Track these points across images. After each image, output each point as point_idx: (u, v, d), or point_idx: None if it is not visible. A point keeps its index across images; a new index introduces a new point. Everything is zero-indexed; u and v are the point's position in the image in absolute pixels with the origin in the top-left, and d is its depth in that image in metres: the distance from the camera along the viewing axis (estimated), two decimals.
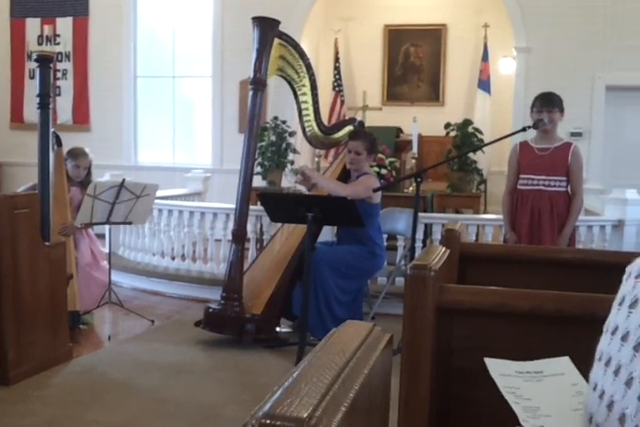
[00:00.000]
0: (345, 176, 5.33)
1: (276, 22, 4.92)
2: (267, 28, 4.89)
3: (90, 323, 5.29)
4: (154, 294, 6.48)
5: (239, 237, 4.93)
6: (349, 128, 5.62)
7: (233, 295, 4.84)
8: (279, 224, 5.40)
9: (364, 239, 5.00)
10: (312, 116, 5.34)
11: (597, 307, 1.82)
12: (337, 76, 10.45)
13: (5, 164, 10.42)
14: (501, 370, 1.53)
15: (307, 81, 5.21)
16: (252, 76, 4.90)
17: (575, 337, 1.84)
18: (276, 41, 4.95)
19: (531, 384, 1.48)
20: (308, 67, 5.18)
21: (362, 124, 5.90)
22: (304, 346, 4.43)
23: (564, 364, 1.52)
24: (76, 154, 5.32)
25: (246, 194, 4.95)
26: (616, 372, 1.20)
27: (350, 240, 5.05)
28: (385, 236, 5.80)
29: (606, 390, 1.21)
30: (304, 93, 5.25)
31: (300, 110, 5.30)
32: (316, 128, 5.37)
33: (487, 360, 1.57)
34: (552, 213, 4.53)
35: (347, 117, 9.03)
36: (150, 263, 6.87)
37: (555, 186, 4.53)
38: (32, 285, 4.08)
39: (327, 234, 5.50)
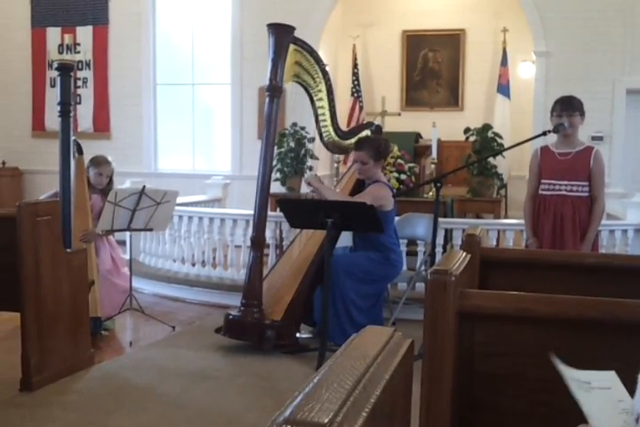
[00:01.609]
0: (360, 184, 5.30)
1: (290, 28, 4.92)
2: (282, 34, 4.89)
3: (111, 329, 5.32)
4: (174, 300, 6.50)
5: (258, 244, 4.94)
6: (366, 132, 5.61)
7: (253, 302, 4.84)
8: (298, 230, 5.40)
9: (379, 246, 4.98)
10: (329, 122, 5.33)
11: (621, 312, 1.81)
12: (355, 82, 10.46)
13: (27, 171, 10.52)
14: (562, 370, 1.50)
15: (323, 86, 5.21)
16: (267, 82, 4.91)
17: (598, 342, 1.82)
18: (292, 47, 4.95)
19: (581, 393, 1.46)
20: (324, 72, 5.18)
21: (379, 128, 5.88)
22: (324, 352, 4.41)
23: (610, 378, 1.50)
24: (99, 162, 5.36)
25: (264, 200, 4.96)
26: None
27: (365, 247, 5.04)
28: (405, 241, 5.79)
29: None
30: (320, 99, 5.25)
31: (316, 116, 5.29)
32: (332, 133, 5.37)
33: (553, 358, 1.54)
34: (574, 219, 4.48)
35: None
36: (171, 270, 6.90)
37: (577, 191, 4.48)
38: (54, 291, 4.11)
39: (347, 239, 5.49)
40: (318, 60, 5.14)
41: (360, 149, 5.02)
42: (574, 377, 1.47)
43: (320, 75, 5.16)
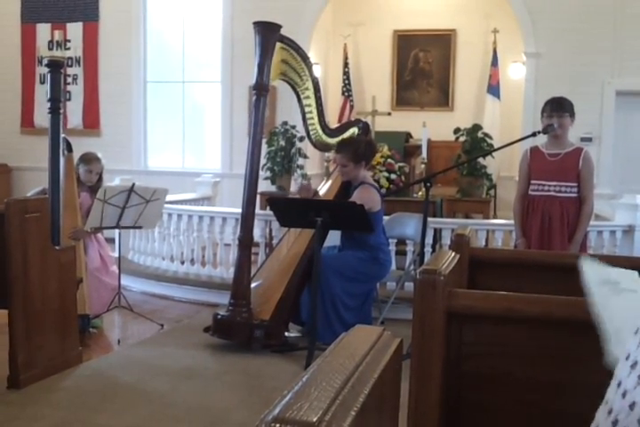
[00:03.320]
0: (347, 184, 5.29)
1: (277, 27, 4.91)
2: (268, 32, 4.87)
3: (99, 327, 5.31)
4: (163, 298, 6.49)
5: (245, 244, 4.93)
6: (354, 130, 5.61)
7: (241, 302, 4.84)
8: (286, 229, 5.39)
9: (366, 246, 4.98)
10: (316, 120, 5.32)
11: None
12: (346, 82, 10.46)
13: (16, 168, 10.47)
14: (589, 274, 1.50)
15: (310, 84, 5.20)
16: (254, 81, 4.90)
17: (586, 343, 1.83)
18: (278, 45, 4.94)
19: (608, 298, 1.45)
20: (311, 70, 5.18)
21: (367, 125, 5.87)
22: (313, 351, 4.42)
23: (636, 279, 1.49)
24: (89, 159, 5.34)
25: (251, 200, 4.94)
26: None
27: (353, 247, 5.04)
28: (394, 240, 5.79)
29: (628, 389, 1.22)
30: (307, 97, 5.24)
31: (303, 114, 5.28)
32: (320, 131, 5.36)
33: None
34: (563, 220, 4.49)
35: None
36: (160, 267, 6.88)
37: (566, 192, 4.50)
38: (42, 288, 4.09)
39: (334, 239, 5.50)
40: (305, 58, 5.12)
41: (338, 151, 5.07)
42: (604, 279, 1.46)
43: (307, 73, 5.15)
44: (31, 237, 4.01)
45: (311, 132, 5.35)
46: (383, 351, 1.19)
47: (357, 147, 5.04)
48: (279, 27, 4.92)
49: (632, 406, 1.18)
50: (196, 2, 9.93)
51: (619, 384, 1.28)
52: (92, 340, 5.07)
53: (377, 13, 10.66)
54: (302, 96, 5.23)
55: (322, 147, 5.60)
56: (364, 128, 5.73)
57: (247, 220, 4.94)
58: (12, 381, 3.93)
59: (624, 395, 1.23)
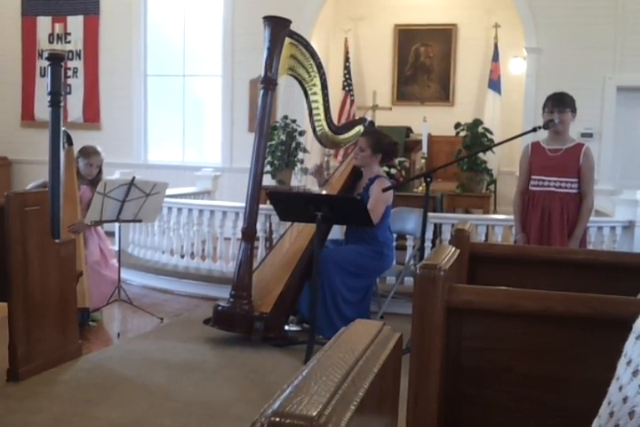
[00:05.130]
0: (357, 174, 5.32)
1: (287, 22, 4.93)
2: (278, 27, 4.89)
3: (99, 320, 5.31)
4: (163, 291, 6.50)
5: (249, 235, 4.94)
6: (359, 128, 5.63)
7: (242, 294, 4.85)
8: (288, 223, 5.40)
9: (371, 239, 5.00)
10: (322, 116, 5.33)
11: (608, 308, 1.82)
12: (347, 76, 10.44)
13: (16, 161, 10.46)
14: None
15: (317, 80, 5.21)
16: (262, 75, 4.91)
17: (586, 338, 1.84)
18: (287, 40, 4.96)
19: None
20: (319, 66, 5.19)
21: (372, 124, 5.89)
22: (313, 345, 4.43)
23: None
24: (89, 152, 5.34)
25: (256, 192, 4.95)
26: (635, 373, 1.24)
27: (357, 240, 5.06)
28: (394, 235, 5.80)
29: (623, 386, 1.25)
30: (314, 93, 5.26)
31: (310, 110, 5.30)
32: (326, 127, 5.38)
33: None
34: (562, 215, 4.50)
35: (356, 117, 9.04)
36: (160, 261, 6.88)
37: (566, 187, 4.50)
38: (42, 282, 4.09)
39: (337, 232, 5.50)
40: (313, 54, 5.14)
41: (362, 135, 5.21)
42: None
43: (315, 69, 5.17)
44: (31, 230, 4.01)
45: (317, 128, 5.36)
46: (383, 346, 1.19)
47: (381, 137, 5.16)
48: (289, 22, 4.94)
49: (625, 399, 1.22)
50: None
51: (617, 379, 1.30)
52: (92, 333, 5.07)
53: (378, 8, 10.64)
54: (310, 92, 5.25)
55: (327, 143, 5.61)
56: (370, 127, 5.75)
57: (251, 211, 4.95)
58: (12, 374, 3.93)
59: (620, 389, 1.26)
